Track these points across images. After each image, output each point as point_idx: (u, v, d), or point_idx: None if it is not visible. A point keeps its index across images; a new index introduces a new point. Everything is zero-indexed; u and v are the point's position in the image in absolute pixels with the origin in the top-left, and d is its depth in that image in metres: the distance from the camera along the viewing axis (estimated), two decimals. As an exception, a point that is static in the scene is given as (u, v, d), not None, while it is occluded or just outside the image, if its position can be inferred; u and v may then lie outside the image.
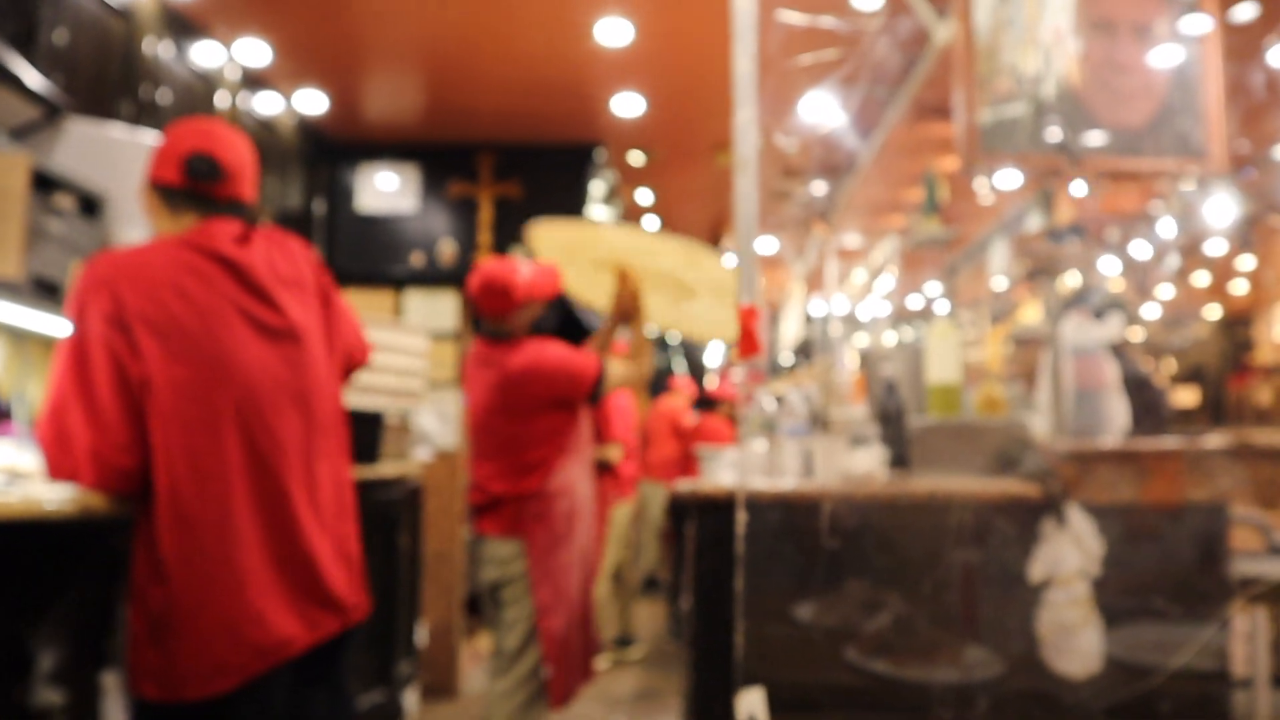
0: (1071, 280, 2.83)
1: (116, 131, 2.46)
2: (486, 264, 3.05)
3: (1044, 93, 2.75)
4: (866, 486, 2.21)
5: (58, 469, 1.69)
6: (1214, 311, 10.08)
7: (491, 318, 3.03)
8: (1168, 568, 2.29)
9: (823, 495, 2.11)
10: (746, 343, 1.31)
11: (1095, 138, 2.73)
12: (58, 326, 2.42)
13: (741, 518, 1.42)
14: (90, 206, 2.30)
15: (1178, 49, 2.79)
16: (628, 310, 3.15)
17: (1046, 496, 2.27)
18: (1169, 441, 2.41)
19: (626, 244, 3.20)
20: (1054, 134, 2.72)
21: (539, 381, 2.92)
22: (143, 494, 1.71)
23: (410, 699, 4.57)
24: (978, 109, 2.73)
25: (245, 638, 1.73)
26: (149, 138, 2.45)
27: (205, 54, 3.98)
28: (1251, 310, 10.00)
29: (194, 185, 1.88)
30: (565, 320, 3.34)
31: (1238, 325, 10.48)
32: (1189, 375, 10.79)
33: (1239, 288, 9.36)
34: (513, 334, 3.02)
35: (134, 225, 2.04)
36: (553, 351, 2.94)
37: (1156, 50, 2.78)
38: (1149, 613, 2.21)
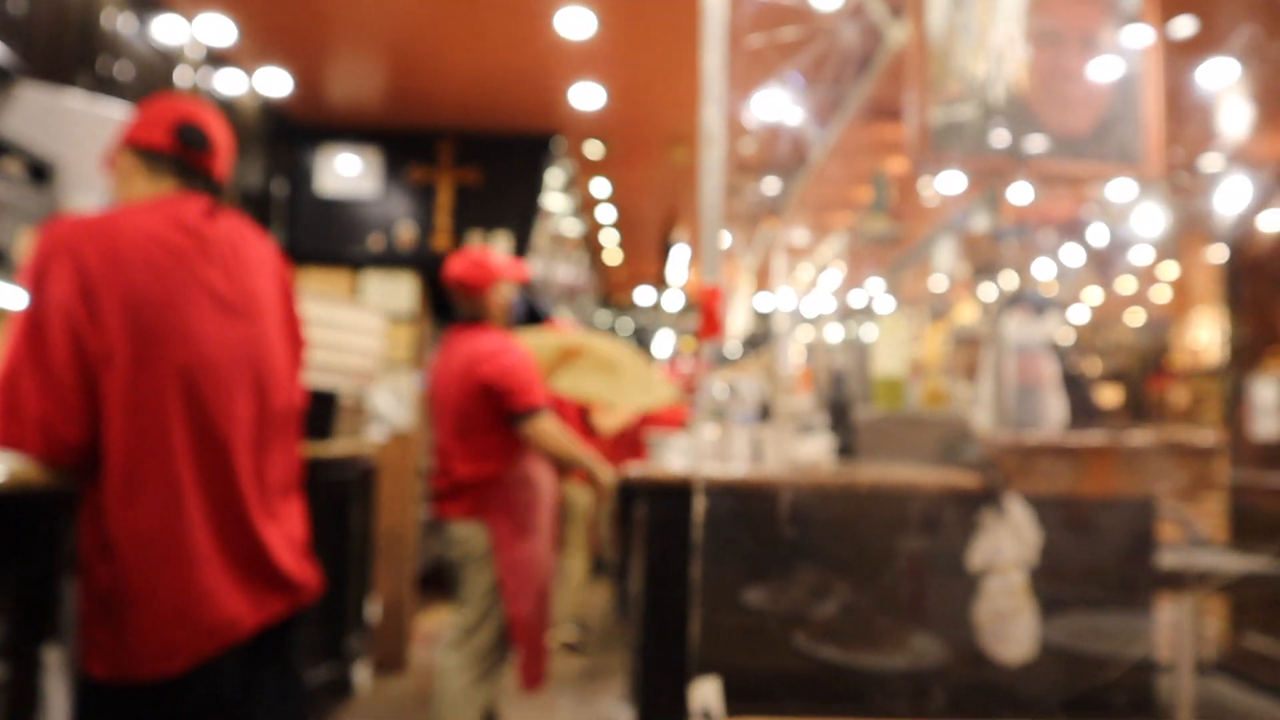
0: (1013, 279, 2.82)
1: (70, 99, 2.35)
2: (464, 249, 3.19)
3: (993, 97, 2.74)
4: (815, 474, 2.18)
5: (4, 438, 1.59)
6: (1137, 317, 10.24)
7: (468, 297, 3.13)
8: (1100, 557, 2.29)
9: (775, 482, 2.08)
10: (708, 323, 1.26)
11: (1041, 142, 2.72)
12: (2, 293, 2.31)
13: (700, 505, 1.38)
14: (39, 173, 2.19)
15: (1120, 60, 2.79)
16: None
17: (987, 487, 2.26)
18: (1104, 437, 2.41)
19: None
20: (1001, 137, 2.71)
21: (487, 370, 2.96)
22: (89, 468, 1.62)
23: (361, 673, 4.49)
24: (929, 109, 2.71)
25: (195, 618, 1.65)
26: (105, 108, 2.34)
27: (167, 29, 3.84)
28: (1171, 316, 10.18)
29: (183, 152, 1.80)
30: (527, 310, 3.57)
31: (1158, 330, 10.66)
32: (1112, 376, 10.95)
33: (1161, 294, 9.50)
34: (487, 315, 3.12)
35: (85, 193, 1.94)
36: (512, 355, 3.01)
37: (1100, 60, 2.78)
38: (1082, 601, 2.21)
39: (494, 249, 3.23)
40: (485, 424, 3.01)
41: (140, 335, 1.62)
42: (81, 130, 2.13)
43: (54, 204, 2.21)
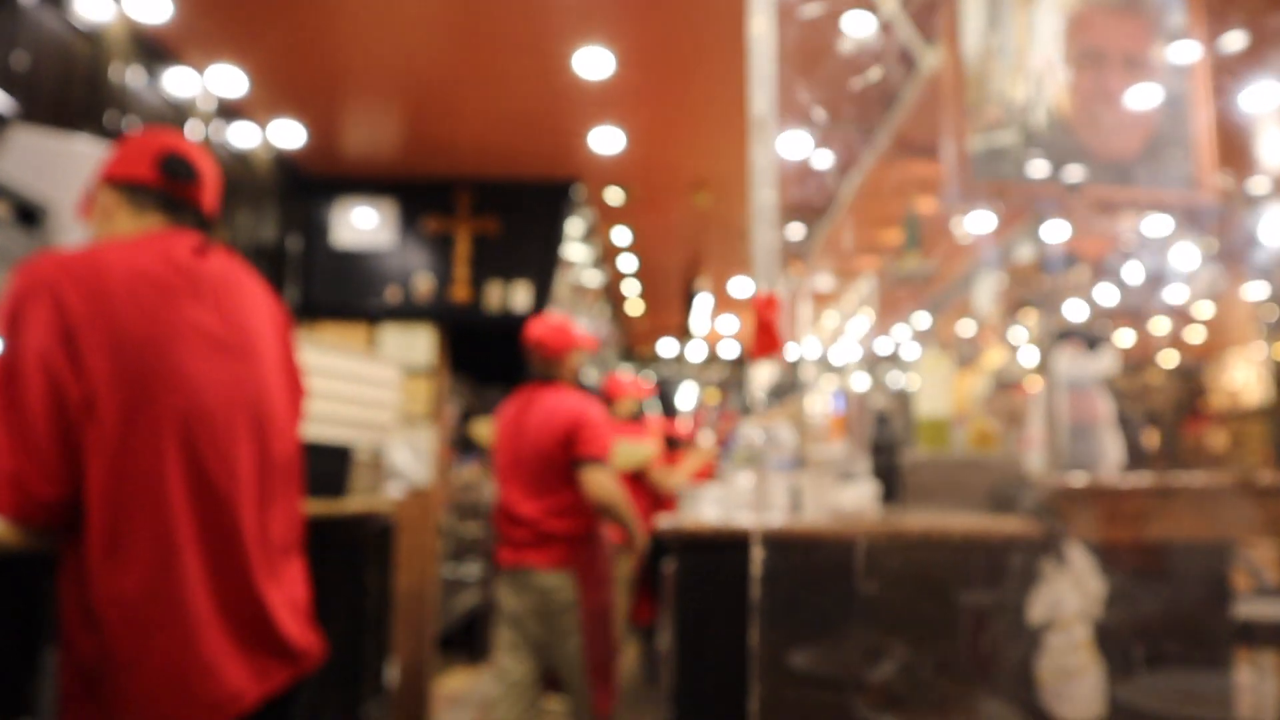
0: (1068, 311, 2.68)
1: (63, 140, 2.26)
2: (545, 316, 3.58)
3: (1034, 121, 2.61)
4: (861, 523, 2.02)
5: None
6: (1170, 358, 10.03)
7: (546, 359, 3.47)
8: (1172, 609, 2.10)
9: (820, 532, 1.91)
10: (764, 339, 1.10)
11: (1085, 168, 2.58)
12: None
13: (758, 555, 1.22)
14: (29, 216, 2.09)
15: (1168, 79, 2.65)
16: None
17: (1045, 534, 2.09)
18: (1169, 478, 2.24)
19: None
20: (1043, 164, 2.57)
21: (575, 418, 3.27)
22: (69, 528, 1.47)
23: (378, 742, 4.30)
24: (967, 136, 2.58)
25: (194, 692, 1.49)
26: (97, 147, 2.24)
27: (177, 81, 3.77)
28: (1206, 357, 9.95)
29: (168, 184, 1.68)
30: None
31: (1192, 372, 10.43)
32: (1144, 421, 10.71)
33: (1195, 334, 9.30)
34: (562, 377, 3.48)
35: (76, 235, 1.82)
36: (595, 410, 3.34)
37: (1146, 80, 2.65)
38: (1155, 657, 2.02)
39: (571, 320, 3.54)
40: (569, 476, 3.27)
41: (129, 380, 1.48)
42: (74, 171, 2.03)
43: (44, 246, 2.10)
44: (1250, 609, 2.50)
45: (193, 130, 3.90)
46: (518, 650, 3.37)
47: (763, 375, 7.91)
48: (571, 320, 3.53)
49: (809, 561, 1.82)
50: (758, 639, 1.21)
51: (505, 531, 3.43)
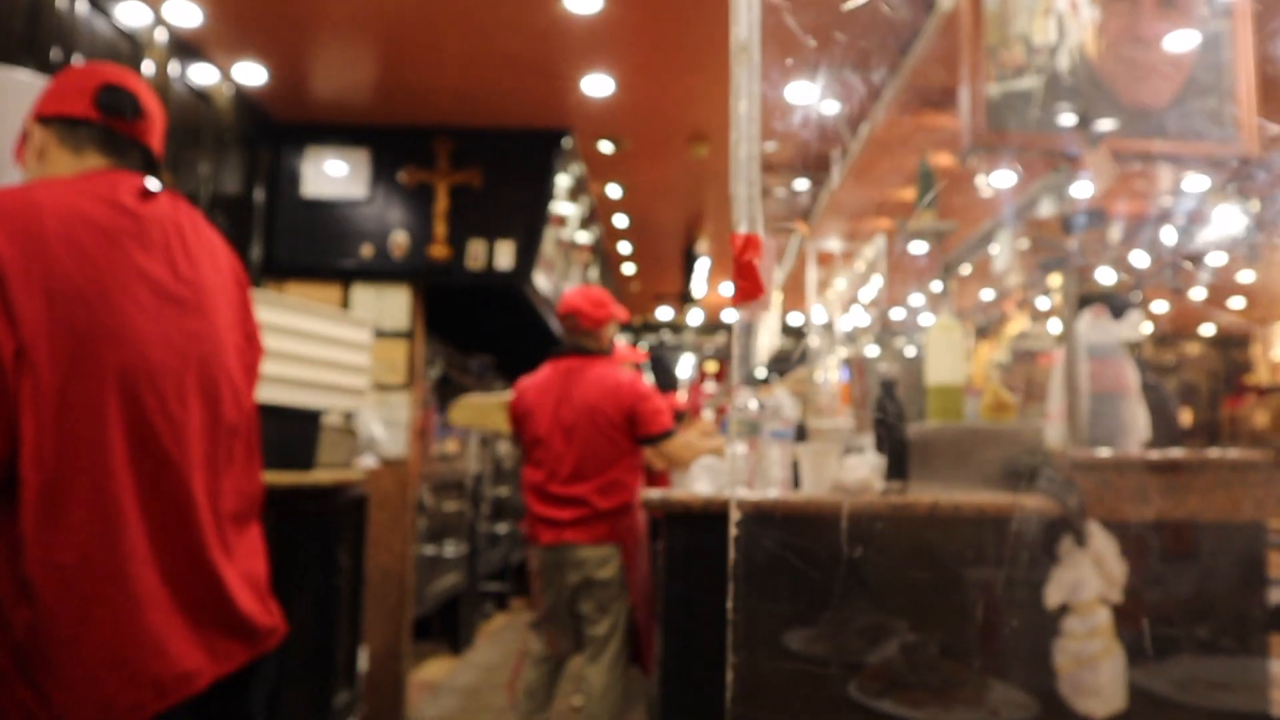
0: (1098, 276, 2.65)
1: (6, 72, 2.23)
2: (584, 286, 3.96)
3: (1058, 65, 2.58)
4: (862, 497, 2.01)
5: None
6: (1209, 328, 10.00)
7: (586, 330, 3.76)
8: (1202, 593, 2.10)
9: (818, 505, 1.91)
10: (747, 283, 1.08)
11: (1113, 117, 2.56)
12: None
13: (733, 528, 1.21)
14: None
15: (1205, 19, 2.62)
16: None
17: (1063, 512, 2.09)
18: (1199, 453, 2.23)
19: None
20: (1069, 111, 2.55)
21: (629, 400, 3.63)
22: (2, 491, 1.46)
23: (348, 732, 4.32)
24: (985, 81, 2.55)
25: (140, 670, 1.48)
26: (40, 81, 2.21)
27: (128, 13, 3.73)
28: (1249, 328, 9.93)
29: (108, 120, 1.66)
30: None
31: (1233, 344, 10.41)
32: (1181, 395, 10.70)
33: (1236, 305, 9.28)
34: (601, 349, 3.79)
35: (14, 176, 1.80)
36: (643, 385, 3.70)
37: (1181, 21, 2.62)
38: (1183, 644, 2.03)
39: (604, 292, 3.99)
40: (622, 451, 3.63)
41: (67, 331, 1.46)
42: (13, 108, 2.00)
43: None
44: (1283, 595, 2.51)
45: (146, 68, 3.86)
46: (558, 626, 3.76)
47: (763, 345, 7.91)
48: (605, 291, 3.86)
49: (803, 537, 1.81)
50: (733, 614, 1.20)
51: (545, 510, 3.69)
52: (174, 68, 4.08)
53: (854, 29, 3.03)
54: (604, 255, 8.43)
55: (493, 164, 5.16)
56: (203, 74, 4.33)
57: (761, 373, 8.37)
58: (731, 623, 1.18)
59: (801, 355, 7.26)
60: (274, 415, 2.91)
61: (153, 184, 1.66)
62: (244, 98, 4.79)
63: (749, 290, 1.07)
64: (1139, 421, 2.56)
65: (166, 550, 1.53)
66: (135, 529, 1.49)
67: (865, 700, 1.83)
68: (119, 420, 1.49)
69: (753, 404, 2.39)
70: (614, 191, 6.53)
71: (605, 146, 5.53)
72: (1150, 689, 1.98)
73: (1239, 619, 2.07)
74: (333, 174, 5.18)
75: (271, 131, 5.11)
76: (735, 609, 1.18)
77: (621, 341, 5.75)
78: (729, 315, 11.54)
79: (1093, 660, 2.03)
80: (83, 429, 1.46)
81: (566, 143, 5.27)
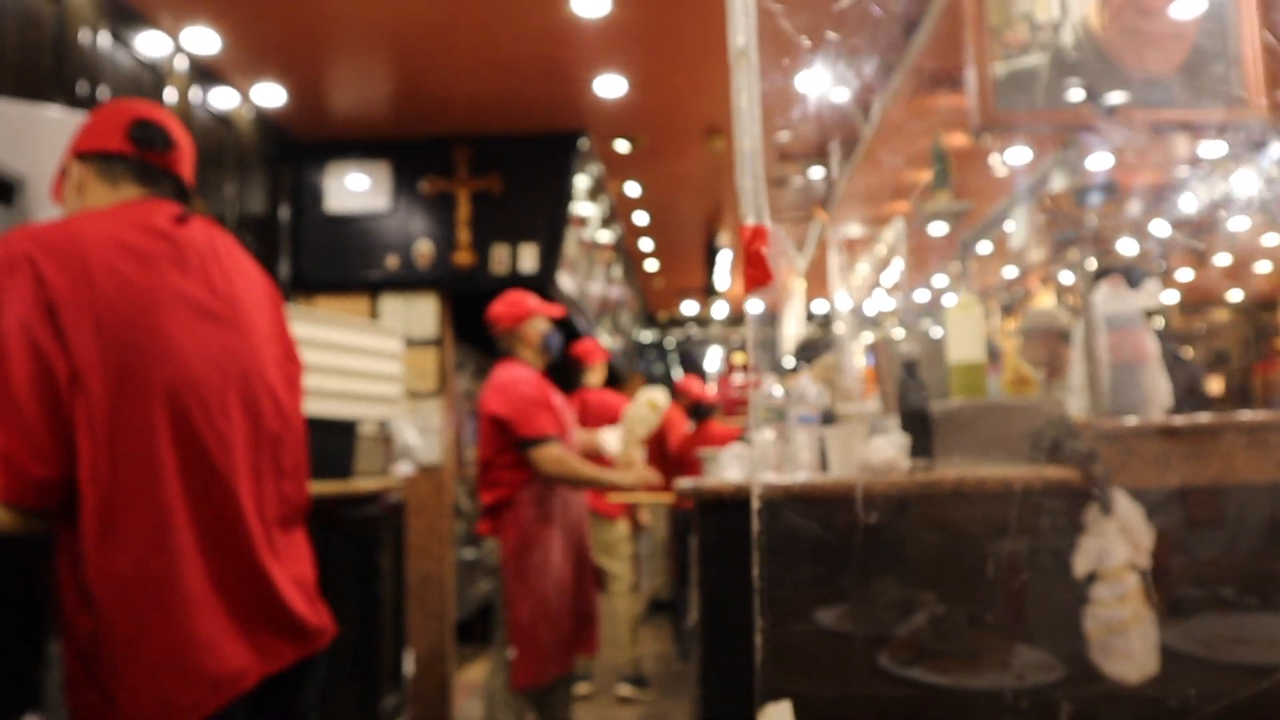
0: (1121, 248, 2.68)
1: (33, 110, 2.31)
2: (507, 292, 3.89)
3: (1062, 41, 2.61)
4: (889, 476, 2.06)
5: None
6: (1235, 294, 9.93)
7: (502, 332, 3.85)
8: (1228, 553, 2.13)
9: (841, 486, 1.95)
10: (755, 271, 1.13)
11: (1120, 89, 2.58)
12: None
13: (755, 494, 1.26)
14: (2, 191, 2.14)
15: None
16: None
17: (1089, 481, 2.12)
18: (1219, 417, 2.26)
19: None
20: (1075, 86, 2.57)
21: (496, 403, 3.67)
22: (64, 508, 1.54)
23: (398, 734, 4.39)
24: (991, 62, 2.59)
25: (196, 670, 1.56)
26: (70, 116, 2.29)
27: (149, 45, 3.82)
28: (1276, 293, 9.86)
29: (141, 153, 1.73)
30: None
31: (1261, 309, 10.33)
32: (1211, 362, 10.62)
33: (1262, 268, 9.20)
34: (518, 350, 3.85)
35: (52, 210, 1.88)
36: (521, 385, 3.71)
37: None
38: (1213, 603, 2.06)
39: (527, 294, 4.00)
40: (497, 448, 3.70)
41: (115, 353, 1.54)
42: (48, 143, 2.08)
43: (19, 222, 2.15)
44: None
45: (169, 96, 3.95)
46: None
47: (790, 333, 7.94)
48: (524, 294, 3.89)
49: (828, 517, 1.86)
50: (759, 583, 1.25)
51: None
52: (195, 94, 4.17)
53: (857, 16, 3.07)
54: (626, 253, 8.48)
55: (512, 169, 5.23)
56: (223, 98, 4.42)
57: (789, 361, 8.41)
58: (757, 591, 1.23)
59: (827, 342, 7.28)
60: (311, 427, 2.98)
61: (186, 210, 1.74)
62: (264, 119, 4.88)
63: (759, 277, 1.12)
64: (1161, 389, 2.58)
65: (216, 555, 1.61)
66: (186, 537, 1.57)
67: (895, 669, 1.88)
68: (168, 435, 1.57)
69: (777, 390, 2.43)
70: (633, 189, 6.58)
71: (622, 145, 5.59)
72: (1174, 645, 2.01)
73: (1263, 578, 2.10)
74: (355, 188, 5.26)
75: (293, 150, 5.20)
76: (760, 578, 1.23)
77: (600, 340, 5.83)
78: (754, 305, 11.55)
79: (1123, 626, 2.06)
80: (134, 445, 1.54)
81: (583, 144, 5.33)
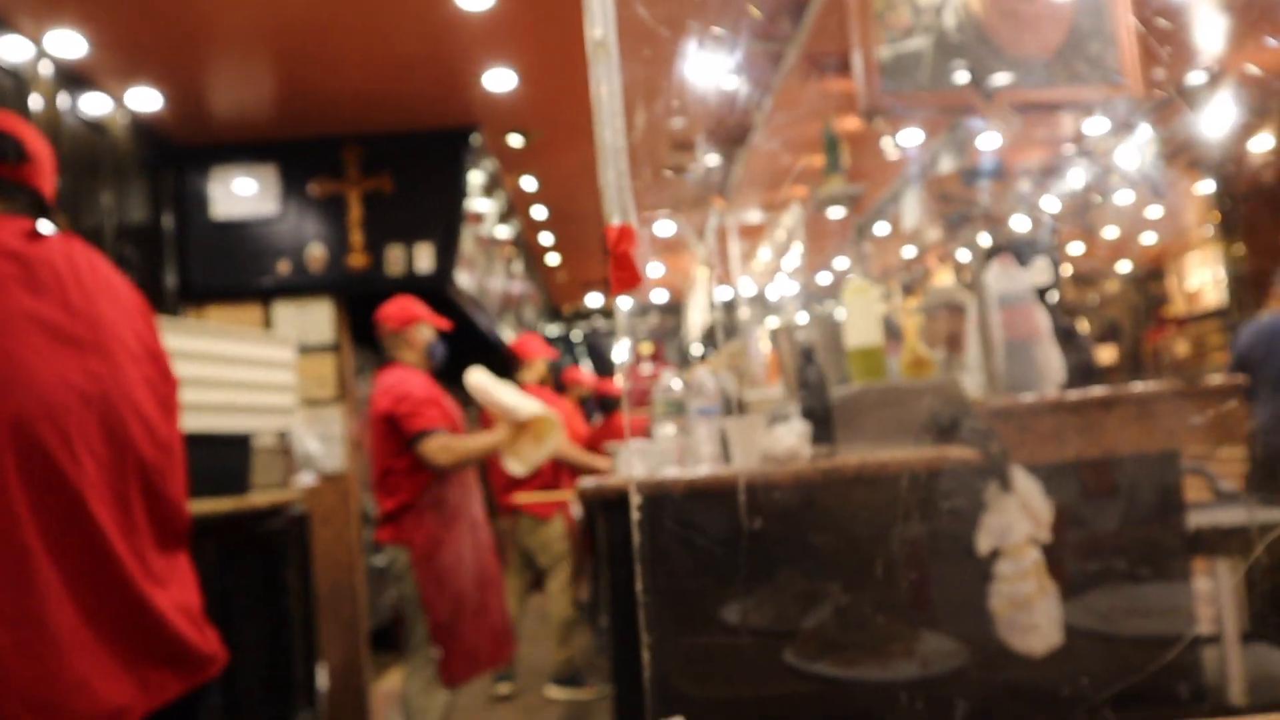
0: (1014, 225, 2.72)
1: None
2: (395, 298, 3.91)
3: (945, 23, 2.63)
4: (791, 465, 2.05)
5: None
6: (1124, 265, 10.22)
7: (393, 331, 3.84)
8: (1123, 524, 2.18)
9: (739, 477, 1.94)
10: (622, 273, 1.10)
11: (1003, 69, 2.62)
12: None
13: (634, 499, 1.24)
14: None
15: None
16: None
17: (987, 460, 2.15)
18: (1109, 390, 2.30)
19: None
20: (959, 68, 2.60)
21: (383, 403, 3.64)
22: None
23: (313, 751, 4.30)
24: (876, 45, 2.60)
25: (65, 712, 1.48)
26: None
27: (10, 49, 3.65)
28: (1162, 262, 10.17)
29: None
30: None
31: (1149, 279, 10.65)
32: (1103, 333, 10.92)
33: (1149, 238, 9.47)
34: (402, 355, 3.84)
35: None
36: (407, 384, 3.69)
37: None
38: (1109, 575, 2.09)
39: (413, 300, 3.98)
40: (392, 452, 3.66)
41: None
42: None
43: None
44: (1206, 518, 2.59)
45: (34, 103, 3.78)
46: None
47: (695, 323, 7.93)
48: (409, 300, 3.90)
49: (734, 511, 1.85)
50: (644, 596, 1.23)
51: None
52: (63, 100, 4.00)
53: (743, 2, 3.06)
54: (526, 248, 8.41)
55: (403, 168, 5.13)
56: (95, 104, 4.25)
57: (697, 349, 8.43)
58: (643, 605, 1.20)
59: (733, 328, 7.32)
60: (202, 442, 2.89)
61: (43, 226, 1.65)
62: (141, 124, 4.71)
63: (627, 280, 1.09)
64: (1054, 364, 2.63)
65: (87, 591, 1.53)
66: (47, 574, 1.48)
67: (800, 665, 1.87)
68: (13, 468, 1.48)
69: (676, 384, 2.41)
70: (529, 184, 6.52)
71: (515, 140, 5.52)
72: (1074, 622, 2.04)
73: (1158, 547, 2.15)
74: (241, 193, 5.12)
75: (174, 155, 5.04)
76: (645, 590, 1.20)
77: (547, 335, 5.78)
78: (658, 295, 11.59)
79: (1028, 600, 2.08)
80: None
81: (475, 139, 5.25)
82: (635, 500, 1.25)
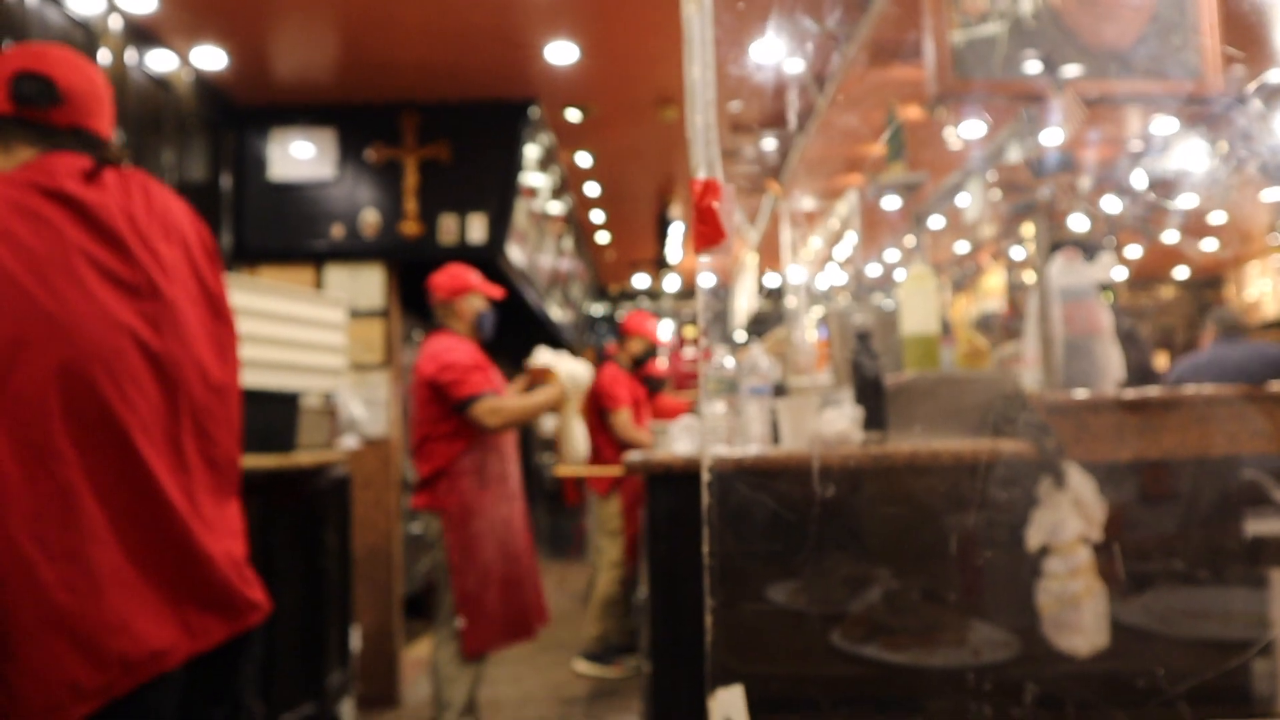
0: (1071, 224, 2.67)
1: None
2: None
3: (1021, 10, 2.58)
4: (842, 449, 2.02)
5: None
6: (1182, 271, 10.05)
7: (443, 301, 3.86)
8: (1180, 528, 2.13)
9: (793, 459, 1.92)
10: (707, 228, 1.07)
11: (1078, 60, 2.56)
12: None
13: (705, 466, 1.22)
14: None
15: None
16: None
17: (1041, 455, 2.11)
18: (1177, 390, 2.25)
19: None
20: (1032, 57, 2.55)
21: (429, 368, 3.64)
22: None
23: (346, 711, 4.33)
24: (949, 30, 2.55)
25: (105, 651, 1.48)
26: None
27: (81, 2, 3.67)
28: (1221, 270, 9.99)
29: (22, 110, 1.63)
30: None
31: (1206, 287, 10.48)
32: (1157, 339, 10.76)
33: (1210, 245, 9.31)
34: (452, 323, 3.86)
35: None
36: (454, 352, 3.69)
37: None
38: (1158, 577, 2.05)
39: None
40: (433, 418, 3.68)
41: (9, 324, 1.45)
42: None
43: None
44: (1262, 526, 2.54)
45: (103, 57, 3.81)
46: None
47: (741, 309, 7.89)
48: (464, 268, 3.94)
49: (780, 491, 1.83)
50: (709, 559, 1.21)
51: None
52: (131, 55, 4.03)
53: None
54: (577, 225, 8.41)
55: (460, 137, 5.13)
56: (161, 60, 4.28)
57: (740, 335, 8.40)
58: (707, 568, 1.19)
59: (779, 316, 7.27)
60: (251, 399, 2.90)
61: (98, 163, 1.64)
62: (204, 83, 4.74)
63: (710, 235, 1.06)
64: (1114, 362, 2.58)
65: (133, 530, 1.53)
66: (92, 512, 1.49)
67: (848, 647, 1.85)
68: (60, 407, 1.48)
69: (729, 361, 2.39)
70: (584, 160, 6.50)
71: (573, 114, 5.50)
72: (1127, 620, 2.01)
73: (1215, 552, 2.10)
74: (299, 155, 5.14)
75: (235, 116, 5.07)
76: (711, 554, 1.18)
77: (648, 315, 5.81)
78: (706, 279, 11.51)
79: (1075, 599, 2.05)
80: (28, 417, 1.46)
81: (533, 112, 5.24)
82: (706, 470, 1.23)
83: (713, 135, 1.06)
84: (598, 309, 11.79)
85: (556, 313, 7.73)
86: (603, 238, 9.26)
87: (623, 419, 5.15)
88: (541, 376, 3.90)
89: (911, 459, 2.04)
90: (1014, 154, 2.66)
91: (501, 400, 3.66)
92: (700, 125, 1.04)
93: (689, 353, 10.97)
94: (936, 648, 1.91)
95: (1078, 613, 2.04)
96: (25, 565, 1.43)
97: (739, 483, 1.85)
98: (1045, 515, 2.08)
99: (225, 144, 4.99)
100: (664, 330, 12.32)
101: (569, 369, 3.90)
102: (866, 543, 1.96)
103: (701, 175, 1.05)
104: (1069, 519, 2.07)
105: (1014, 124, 2.66)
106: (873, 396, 2.21)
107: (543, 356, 3.93)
